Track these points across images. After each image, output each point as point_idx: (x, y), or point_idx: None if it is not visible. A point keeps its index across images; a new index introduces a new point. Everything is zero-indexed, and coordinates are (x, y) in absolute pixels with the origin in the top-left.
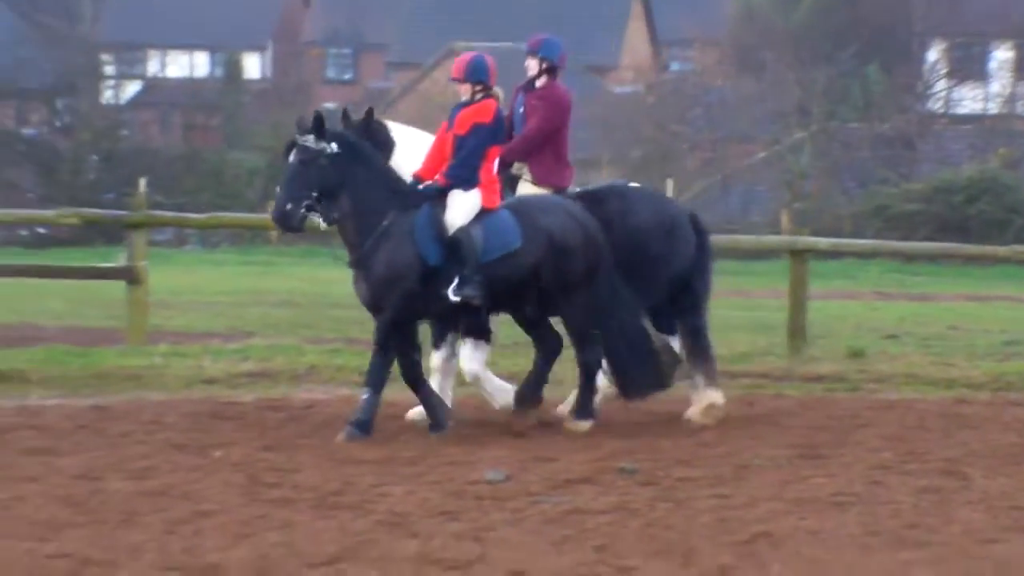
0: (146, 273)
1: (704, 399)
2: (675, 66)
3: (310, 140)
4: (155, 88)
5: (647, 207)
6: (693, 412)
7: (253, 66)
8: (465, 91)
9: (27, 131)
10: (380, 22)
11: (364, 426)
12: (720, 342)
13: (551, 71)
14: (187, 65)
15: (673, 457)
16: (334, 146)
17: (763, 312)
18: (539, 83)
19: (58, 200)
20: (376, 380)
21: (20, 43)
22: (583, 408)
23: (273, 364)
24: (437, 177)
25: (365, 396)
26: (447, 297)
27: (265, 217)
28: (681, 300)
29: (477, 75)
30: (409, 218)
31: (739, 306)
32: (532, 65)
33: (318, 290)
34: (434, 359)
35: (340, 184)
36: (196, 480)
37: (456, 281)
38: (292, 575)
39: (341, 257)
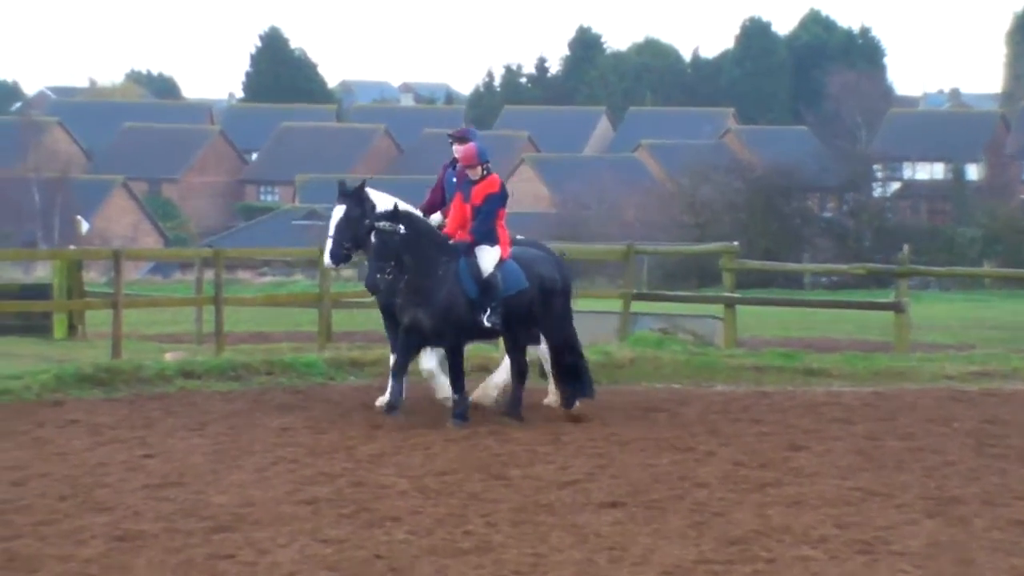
0: (908, 306)
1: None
2: None
3: (386, 225)
4: (909, 186)
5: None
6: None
7: (972, 171)
8: (476, 172)
9: (826, 214)
10: None
11: (463, 415)
12: None
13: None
14: (928, 171)
15: None
16: (401, 227)
17: None
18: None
19: (846, 259)
20: (458, 383)
21: (821, 158)
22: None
23: (989, 366)
24: (461, 234)
25: (456, 397)
26: (482, 323)
27: (967, 269)
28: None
29: (484, 157)
30: (453, 266)
31: None
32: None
33: (1018, 319)
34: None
35: (407, 250)
36: (941, 443)
37: (488, 311)
38: (1009, 505)
39: None
